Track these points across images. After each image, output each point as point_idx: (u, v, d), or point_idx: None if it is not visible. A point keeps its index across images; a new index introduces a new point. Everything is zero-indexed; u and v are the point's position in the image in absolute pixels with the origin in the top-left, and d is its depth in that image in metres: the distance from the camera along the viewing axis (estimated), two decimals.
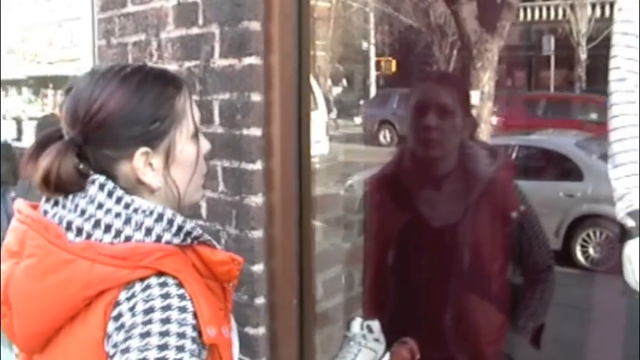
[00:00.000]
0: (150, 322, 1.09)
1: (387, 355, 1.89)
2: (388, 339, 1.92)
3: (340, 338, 2.01)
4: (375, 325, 1.96)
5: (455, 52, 18.54)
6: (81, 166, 1.20)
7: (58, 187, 1.19)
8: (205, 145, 1.32)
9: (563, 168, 8.31)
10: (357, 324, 1.96)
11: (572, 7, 21.97)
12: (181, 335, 1.09)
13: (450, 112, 2.22)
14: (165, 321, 1.10)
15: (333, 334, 2.60)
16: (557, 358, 2.37)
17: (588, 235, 7.79)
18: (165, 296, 1.13)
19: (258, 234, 2.20)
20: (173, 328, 1.10)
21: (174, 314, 1.11)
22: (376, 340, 1.94)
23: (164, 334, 1.08)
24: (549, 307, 2.35)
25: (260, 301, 2.22)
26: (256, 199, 2.19)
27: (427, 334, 2.15)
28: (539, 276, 2.36)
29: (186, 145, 1.26)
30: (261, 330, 2.23)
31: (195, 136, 1.28)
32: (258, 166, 2.18)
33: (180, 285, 1.16)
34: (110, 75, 1.23)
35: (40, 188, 1.20)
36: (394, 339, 1.91)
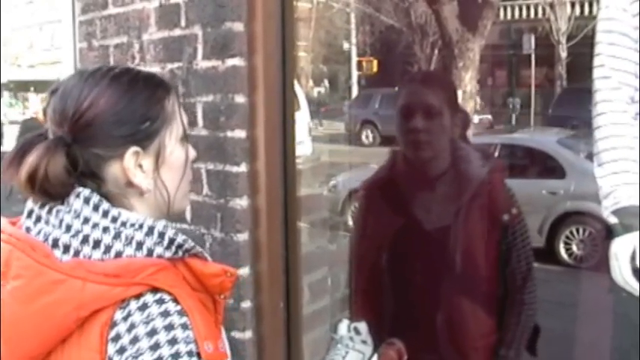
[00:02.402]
0: (157, 346, 1.06)
1: (375, 357, 1.88)
2: (379, 341, 1.91)
3: (327, 341, 2.00)
4: (363, 326, 1.95)
5: (436, 51, 18.66)
6: (69, 168, 1.16)
7: (44, 187, 1.14)
8: (192, 152, 1.30)
9: (545, 166, 8.37)
10: (344, 326, 1.95)
11: (551, 5, 22.16)
12: (190, 354, 1.07)
13: (437, 113, 2.21)
14: (173, 342, 1.07)
15: (320, 337, 2.59)
16: (541, 356, 2.36)
17: (571, 233, 7.84)
18: (165, 314, 1.10)
19: (243, 237, 2.18)
20: (182, 348, 1.07)
21: (179, 333, 1.08)
22: (363, 342, 1.93)
23: (175, 356, 1.05)
24: (529, 329, 2.31)
25: (246, 304, 2.20)
26: (241, 202, 2.17)
27: (419, 336, 2.15)
28: (516, 296, 2.30)
29: (176, 148, 1.24)
30: (248, 334, 2.21)
31: (185, 139, 1.27)
32: (242, 168, 2.16)
33: (175, 301, 1.12)
34: (99, 75, 1.21)
35: (23, 188, 1.16)
36: (384, 340, 1.90)
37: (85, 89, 1.18)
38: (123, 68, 1.25)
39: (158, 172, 1.22)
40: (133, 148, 1.18)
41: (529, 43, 22.35)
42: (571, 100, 14.83)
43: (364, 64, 23.89)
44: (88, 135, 1.17)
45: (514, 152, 8.76)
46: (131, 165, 1.18)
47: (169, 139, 1.23)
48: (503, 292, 2.31)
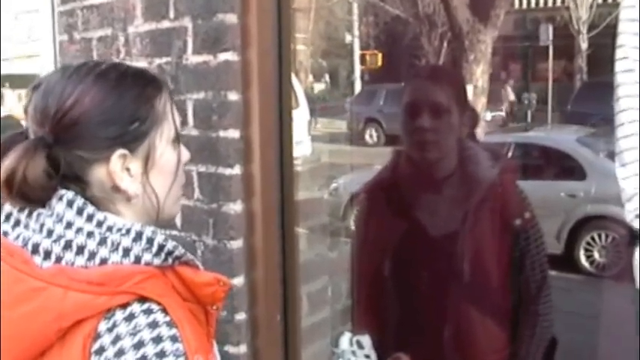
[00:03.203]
0: (144, 359, 1.06)
1: None
2: (383, 355, 1.92)
3: (328, 355, 2.02)
4: (366, 340, 1.97)
5: (445, 44, 18.61)
6: (50, 171, 1.15)
7: (22, 191, 1.14)
8: (185, 154, 1.30)
9: (563, 166, 8.36)
10: (345, 339, 1.96)
11: None
12: None
13: (445, 110, 2.22)
14: (161, 355, 1.07)
15: (320, 351, 2.61)
16: None
17: (593, 238, 7.82)
18: (154, 325, 1.09)
19: (237, 244, 2.19)
20: None
21: (167, 345, 1.08)
22: (367, 356, 1.95)
23: None
24: (544, 342, 2.31)
25: (241, 316, 2.21)
26: (235, 207, 2.18)
27: (425, 350, 2.16)
28: (530, 306, 2.31)
29: (167, 150, 1.24)
30: (243, 348, 2.22)
31: (176, 141, 1.27)
32: (236, 170, 2.17)
33: (164, 311, 1.12)
34: (84, 71, 1.20)
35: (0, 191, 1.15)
36: (389, 355, 1.91)
37: (68, 86, 1.18)
38: (110, 64, 1.25)
39: (147, 176, 1.22)
40: (120, 151, 1.18)
41: (546, 34, 22.24)
42: (592, 96, 14.75)
43: (368, 57, 23.88)
44: (71, 136, 1.16)
45: (529, 152, 8.75)
46: (118, 169, 1.18)
47: (160, 140, 1.23)
48: (516, 303, 2.32)
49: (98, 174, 1.18)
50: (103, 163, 1.18)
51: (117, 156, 1.18)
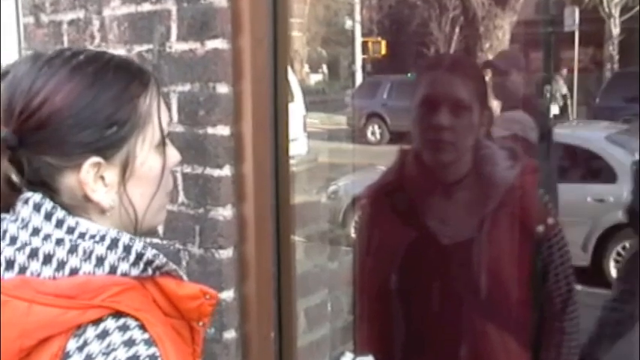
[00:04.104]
0: None
1: None
2: None
3: None
4: None
5: (457, 30, 18.61)
6: (13, 176, 1.15)
7: None
8: (174, 157, 1.29)
9: (591, 167, 8.34)
10: None
11: None
12: None
13: (467, 108, 2.20)
14: None
15: None
16: None
17: (624, 248, 7.80)
18: (130, 343, 1.08)
19: (226, 254, 2.21)
20: None
21: None
22: None
23: None
24: None
25: (230, 334, 2.23)
26: (224, 212, 2.20)
27: None
28: (554, 323, 2.33)
29: (149, 157, 1.22)
30: None
31: (162, 145, 1.25)
32: (226, 171, 2.19)
33: (143, 327, 1.12)
34: (58, 62, 1.18)
35: None
36: None
37: (38, 80, 1.16)
38: (90, 54, 1.22)
39: (124, 186, 1.20)
40: (93, 159, 1.16)
41: (572, 18, 22.16)
42: (623, 88, 14.74)
43: (370, 45, 23.82)
44: (38, 139, 1.15)
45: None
46: (89, 179, 1.16)
47: (141, 146, 1.21)
48: (538, 320, 2.33)
49: (68, 182, 1.17)
50: (73, 170, 1.16)
51: (89, 164, 1.16)
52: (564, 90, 19.90)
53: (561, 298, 2.31)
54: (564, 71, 20.77)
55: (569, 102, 19.62)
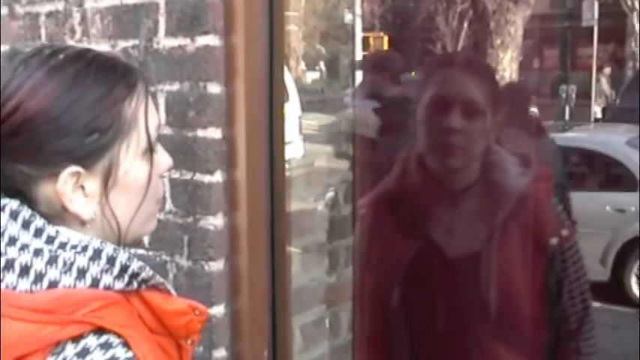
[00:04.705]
0: None
1: None
2: None
3: None
4: None
5: (466, 25, 18.62)
6: None
7: None
8: (164, 162, 1.29)
9: (610, 174, 8.33)
10: None
11: None
12: None
13: (480, 112, 2.20)
14: None
15: None
16: None
17: None
18: None
19: (217, 266, 2.21)
20: None
21: None
22: None
23: None
24: None
25: (220, 353, 2.23)
26: (215, 221, 2.20)
27: None
28: (569, 343, 2.33)
29: (135, 165, 1.22)
30: None
31: (149, 151, 1.24)
32: (217, 177, 2.19)
33: (126, 345, 1.12)
34: (36, 61, 1.17)
35: None
36: None
37: (12, 82, 1.15)
38: (72, 52, 1.21)
39: (107, 196, 1.20)
40: (72, 168, 1.15)
41: (591, 12, 22.08)
42: None
43: (372, 41, 23.83)
44: (11, 146, 1.14)
45: (567, 156, 8.67)
46: (68, 189, 1.16)
47: (125, 154, 1.20)
48: (552, 340, 2.34)
49: (45, 191, 1.17)
50: (50, 179, 1.16)
51: (67, 174, 1.15)
52: (607, 90, 19.74)
53: (577, 317, 2.32)
54: (607, 70, 20.59)
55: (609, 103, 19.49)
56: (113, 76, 1.20)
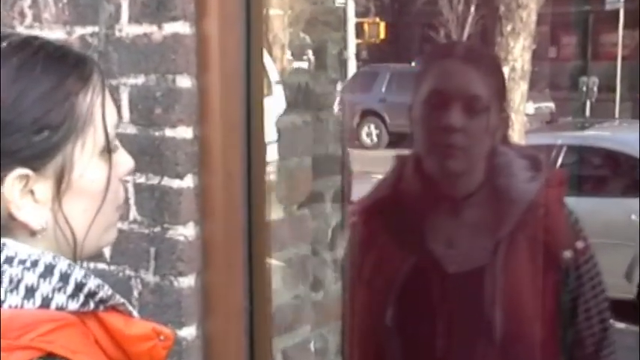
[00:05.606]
0: None
1: None
2: None
3: None
4: None
5: (472, 9, 18.67)
6: None
7: None
8: (125, 164, 1.29)
9: (635, 178, 8.33)
10: None
11: None
12: None
13: (484, 108, 2.20)
14: None
15: None
16: None
17: None
18: None
19: (188, 282, 2.22)
20: None
21: None
22: None
23: None
24: None
25: None
26: (185, 231, 2.21)
27: None
28: None
29: (91, 166, 1.22)
30: None
31: (107, 151, 1.24)
32: (187, 182, 2.20)
33: None
34: None
35: None
36: None
37: None
38: (17, 40, 1.21)
39: (60, 202, 1.20)
40: (19, 171, 1.15)
41: None
42: None
43: (366, 28, 23.86)
44: None
45: (588, 158, 8.68)
46: (14, 195, 1.16)
47: (80, 154, 1.20)
48: None
49: None
50: None
51: (13, 177, 1.15)
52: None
53: (594, 339, 2.32)
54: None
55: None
56: (64, 67, 1.20)
